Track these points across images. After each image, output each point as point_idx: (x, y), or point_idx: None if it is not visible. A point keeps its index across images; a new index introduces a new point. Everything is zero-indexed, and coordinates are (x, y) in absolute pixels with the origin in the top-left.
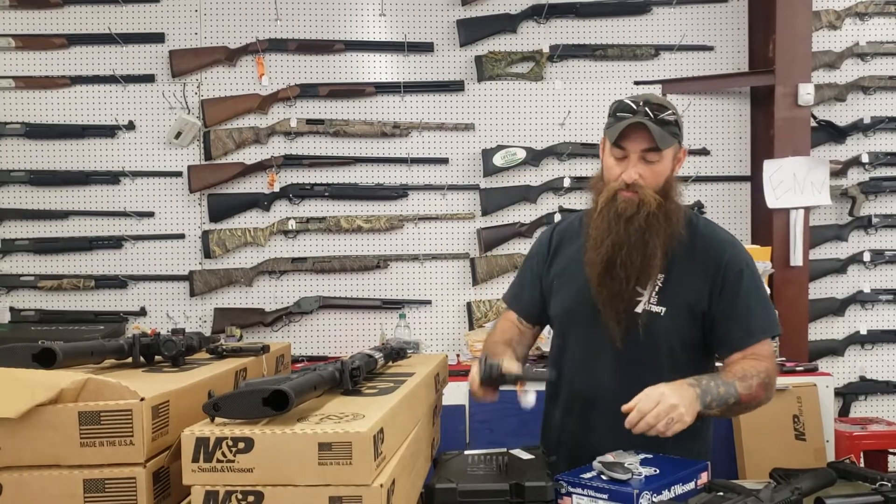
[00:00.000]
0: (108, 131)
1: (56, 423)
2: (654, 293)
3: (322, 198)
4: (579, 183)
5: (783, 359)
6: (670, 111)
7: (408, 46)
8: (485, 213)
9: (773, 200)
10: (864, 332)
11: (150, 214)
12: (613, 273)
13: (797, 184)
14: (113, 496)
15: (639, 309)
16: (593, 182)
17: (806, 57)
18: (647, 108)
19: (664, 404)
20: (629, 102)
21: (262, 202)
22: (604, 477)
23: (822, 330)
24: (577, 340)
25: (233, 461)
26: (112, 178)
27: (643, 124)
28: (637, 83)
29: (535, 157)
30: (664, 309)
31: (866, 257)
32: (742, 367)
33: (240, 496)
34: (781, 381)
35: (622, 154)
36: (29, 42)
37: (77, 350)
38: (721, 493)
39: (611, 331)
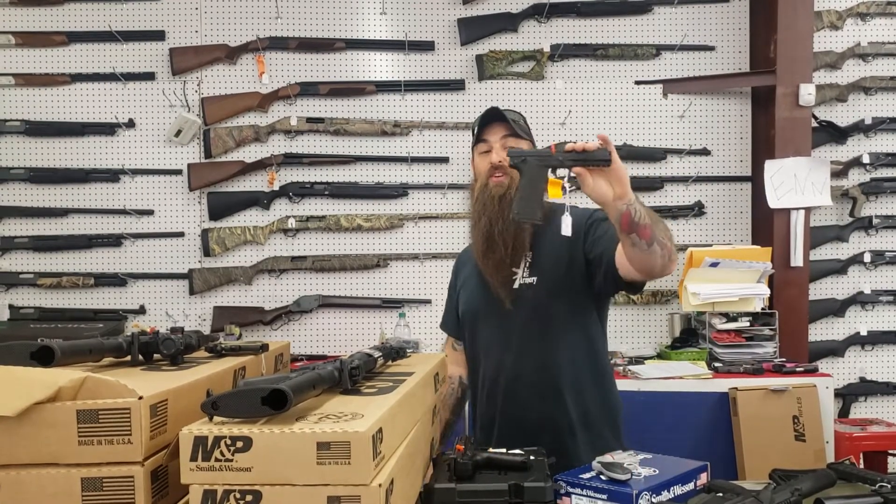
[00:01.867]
0: (108, 129)
1: (54, 422)
2: (525, 268)
3: (322, 196)
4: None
5: (783, 359)
6: (519, 115)
7: (408, 45)
8: None
9: (774, 201)
10: (864, 333)
11: (150, 212)
12: (493, 244)
13: (798, 184)
14: (111, 495)
15: (516, 285)
16: (471, 187)
17: (807, 57)
18: (497, 109)
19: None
20: (485, 113)
21: (261, 200)
22: (603, 477)
23: (823, 331)
24: (482, 328)
25: (231, 460)
26: (112, 175)
27: (499, 113)
28: (638, 83)
29: None
30: (535, 278)
31: (867, 258)
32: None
33: (238, 495)
34: (781, 381)
35: (486, 147)
36: (29, 39)
37: (75, 348)
38: (720, 494)
39: (502, 300)
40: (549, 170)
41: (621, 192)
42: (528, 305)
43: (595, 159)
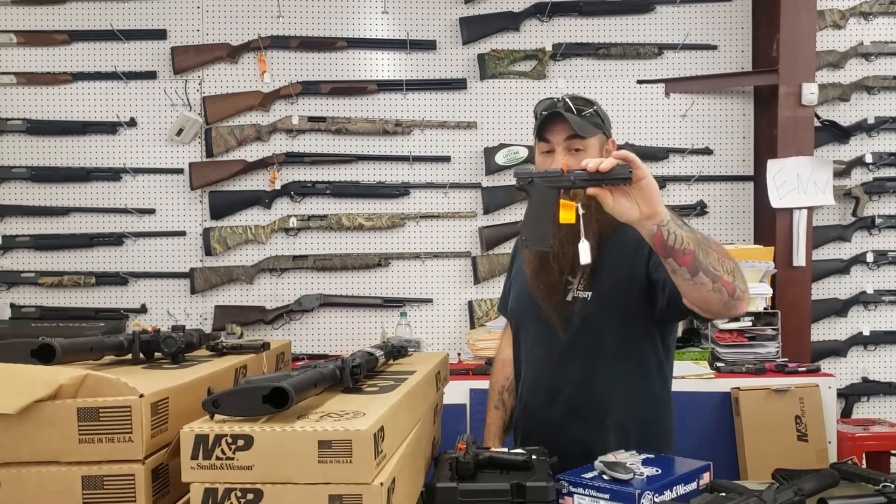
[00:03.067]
0: (110, 128)
1: (54, 420)
2: (581, 279)
3: (323, 195)
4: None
5: (786, 359)
6: (592, 106)
7: (410, 44)
8: (486, 211)
9: (776, 200)
10: (866, 332)
11: (151, 211)
12: (547, 266)
13: (801, 184)
14: (112, 493)
15: (569, 297)
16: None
17: (810, 56)
18: (566, 100)
19: (649, 177)
20: (550, 98)
21: (263, 200)
22: (605, 477)
23: (825, 331)
24: (527, 335)
25: (232, 458)
26: (113, 174)
27: (560, 114)
28: (640, 82)
29: None
30: (591, 293)
31: (869, 258)
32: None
33: (239, 494)
34: (784, 381)
35: (548, 147)
36: (31, 38)
37: (76, 346)
38: (723, 494)
39: (553, 323)
40: (561, 191)
41: (649, 211)
42: (577, 322)
43: (612, 178)
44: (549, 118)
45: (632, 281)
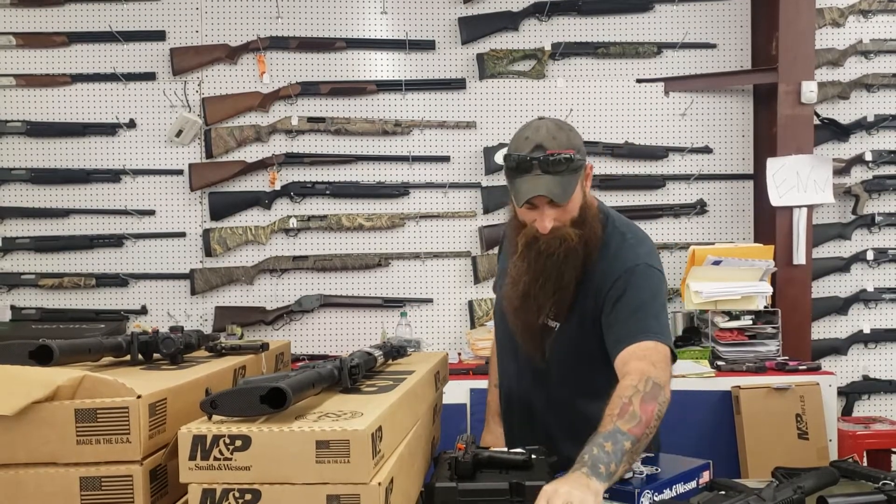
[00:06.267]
0: (109, 129)
1: (52, 421)
2: (550, 308)
3: (323, 196)
4: None
5: (786, 357)
6: (566, 151)
7: (409, 44)
8: (486, 211)
9: (776, 199)
10: (867, 330)
11: (151, 213)
12: (527, 305)
13: (800, 182)
14: (109, 494)
15: (540, 321)
16: (510, 220)
17: (809, 54)
18: (542, 159)
19: None
20: (525, 158)
21: (263, 200)
22: None
23: (825, 329)
24: (505, 350)
25: (230, 459)
26: (113, 176)
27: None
28: (639, 81)
29: None
30: (558, 324)
31: (870, 256)
32: (617, 393)
33: (237, 494)
34: (784, 379)
35: (532, 208)
36: (30, 40)
37: (74, 347)
38: (723, 492)
39: (531, 356)
40: None
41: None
42: (548, 349)
43: None
44: (528, 184)
45: (587, 319)
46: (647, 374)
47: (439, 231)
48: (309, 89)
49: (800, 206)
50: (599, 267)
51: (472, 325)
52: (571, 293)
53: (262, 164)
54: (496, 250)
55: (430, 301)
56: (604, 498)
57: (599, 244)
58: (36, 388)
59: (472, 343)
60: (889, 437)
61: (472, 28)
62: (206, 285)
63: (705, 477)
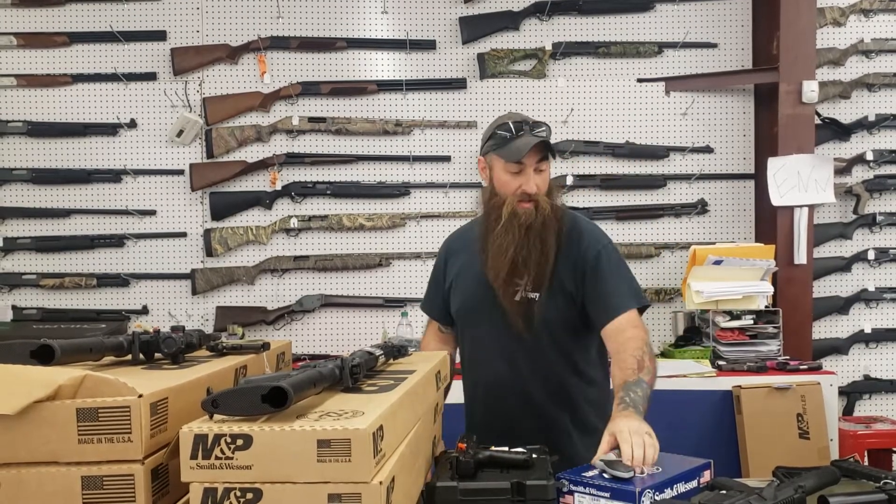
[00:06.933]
0: (110, 129)
1: (54, 420)
2: (528, 281)
3: (324, 196)
4: (582, 181)
5: (787, 357)
6: (545, 128)
7: (410, 44)
8: None
9: (777, 198)
10: (868, 330)
11: (152, 213)
12: (517, 272)
13: (801, 182)
14: (111, 493)
15: (517, 297)
16: (487, 197)
17: (810, 54)
18: (531, 124)
19: (641, 438)
20: (515, 123)
21: (263, 200)
22: (606, 475)
23: (826, 328)
24: (477, 335)
25: (231, 458)
26: (114, 176)
27: (542, 142)
28: (640, 81)
29: None
30: (538, 294)
31: (871, 255)
32: (629, 353)
33: (238, 493)
34: (785, 379)
35: (518, 168)
36: (30, 40)
37: (75, 347)
38: (724, 492)
39: (515, 326)
40: None
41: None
42: (527, 320)
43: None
44: (524, 141)
45: (567, 288)
46: (643, 338)
47: (440, 231)
48: (310, 89)
49: (801, 206)
50: (573, 239)
51: None
52: (551, 264)
53: (262, 164)
54: None
55: None
56: (605, 497)
57: (564, 216)
58: (37, 388)
59: None
60: (890, 437)
61: (473, 28)
62: (207, 285)
63: (706, 476)
